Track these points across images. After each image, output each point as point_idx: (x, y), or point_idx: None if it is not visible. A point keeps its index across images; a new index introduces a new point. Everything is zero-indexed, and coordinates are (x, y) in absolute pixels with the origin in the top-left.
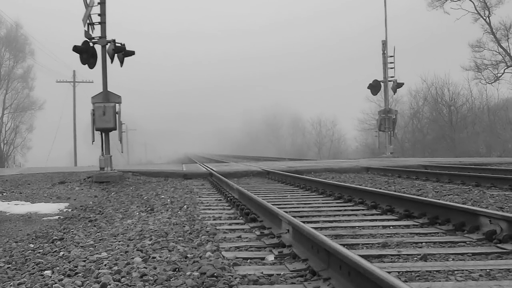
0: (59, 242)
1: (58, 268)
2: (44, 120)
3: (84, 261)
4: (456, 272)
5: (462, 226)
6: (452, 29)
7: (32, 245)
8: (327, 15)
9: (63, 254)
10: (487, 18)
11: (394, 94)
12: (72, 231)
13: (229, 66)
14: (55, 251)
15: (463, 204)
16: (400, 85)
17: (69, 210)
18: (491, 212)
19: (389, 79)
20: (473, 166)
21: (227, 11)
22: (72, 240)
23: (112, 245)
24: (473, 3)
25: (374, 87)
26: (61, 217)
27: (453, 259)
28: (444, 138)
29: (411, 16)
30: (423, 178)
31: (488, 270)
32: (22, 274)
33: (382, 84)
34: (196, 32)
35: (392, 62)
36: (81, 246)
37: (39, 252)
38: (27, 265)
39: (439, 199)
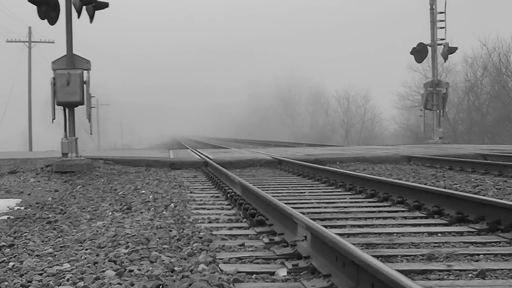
0: (8, 249)
1: (6, 283)
2: None
3: (41, 274)
4: None
5: None
6: None
7: None
8: None
9: (13, 266)
10: None
11: (445, 61)
12: (25, 236)
13: (230, 24)
14: (2, 262)
15: None
16: (452, 50)
17: (22, 208)
18: None
19: (439, 42)
20: None
21: None
22: (25, 247)
23: (77, 254)
24: None
25: (419, 53)
26: (11, 217)
27: None
28: (509, 119)
29: None
30: (481, 171)
31: None
32: None
33: (429, 48)
34: None
35: (442, 21)
36: (37, 255)
37: None
38: None
39: (501, 199)
